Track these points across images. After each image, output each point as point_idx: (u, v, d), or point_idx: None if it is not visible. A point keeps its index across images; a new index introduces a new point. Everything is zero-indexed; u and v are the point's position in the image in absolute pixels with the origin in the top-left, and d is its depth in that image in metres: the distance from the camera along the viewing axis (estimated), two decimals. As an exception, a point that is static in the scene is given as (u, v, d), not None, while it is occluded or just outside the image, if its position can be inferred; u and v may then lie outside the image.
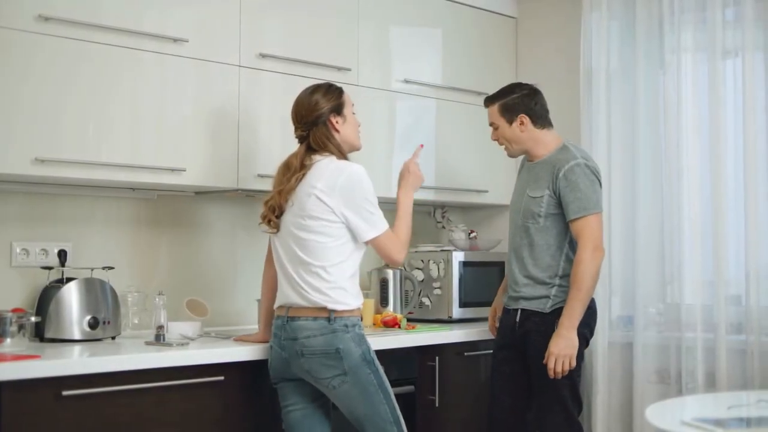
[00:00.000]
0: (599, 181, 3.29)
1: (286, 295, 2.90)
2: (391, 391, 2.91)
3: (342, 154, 2.94)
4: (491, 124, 3.42)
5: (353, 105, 3.05)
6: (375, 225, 2.88)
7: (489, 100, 3.43)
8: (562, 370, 3.17)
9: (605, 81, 3.88)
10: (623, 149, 3.83)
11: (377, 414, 2.87)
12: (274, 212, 2.90)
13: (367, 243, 2.91)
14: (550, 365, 3.17)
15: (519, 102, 3.35)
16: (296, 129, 2.97)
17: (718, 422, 2.27)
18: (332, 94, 2.96)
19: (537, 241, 3.30)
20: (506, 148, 3.42)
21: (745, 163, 3.51)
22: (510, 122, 3.35)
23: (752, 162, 3.49)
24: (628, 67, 3.85)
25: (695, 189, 3.64)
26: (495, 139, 3.43)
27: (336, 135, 2.94)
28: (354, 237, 2.88)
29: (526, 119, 3.34)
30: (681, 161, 3.65)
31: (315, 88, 2.98)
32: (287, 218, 2.90)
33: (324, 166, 2.88)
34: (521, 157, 3.52)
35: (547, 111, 3.39)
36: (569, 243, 3.28)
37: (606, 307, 3.83)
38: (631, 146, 3.81)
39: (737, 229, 3.54)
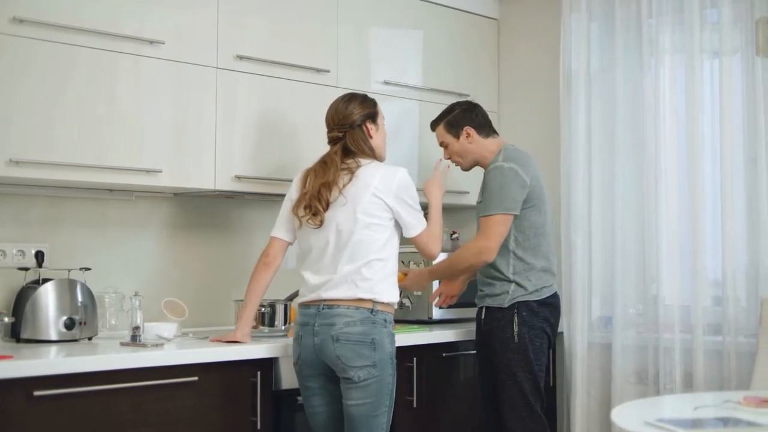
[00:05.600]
0: (520, 181, 3.34)
1: (316, 291, 2.96)
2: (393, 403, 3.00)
3: (376, 159, 3.09)
4: (441, 144, 3.58)
5: (384, 118, 3.19)
6: (420, 222, 3.11)
7: (434, 123, 3.60)
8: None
9: (585, 82, 3.90)
10: (602, 150, 3.85)
11: (377, 420, 2.94)
12: (321, 203, 2.97)
13: (410, 239, 3.10)
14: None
15: (461, 116, 3.53)
16: (331, 131, 3.08)
17: (681, 423, 2.28)
18: (368, 102, 3.13)
19: None
20: (458, 164, 3.58)
21: (722, 165, 3.52)
22: (457, 136, 3.52)
23: (729, 164, 3.51)
24: (607, 68, 3.86)
25: (673, 190, 3.65)
26: (447, 158, 3.59)
27: (369, 140, 3.08)
28: (395, 235, 3.05)
29: (471, 130, 3.50)
30: (659, 162, 3.67)
31: (351, 97, 3.13)
32: (337, 214, 2.97)
33: (375, 168, 3.03)
34: None
35: (489, 121, 3.56)
36: (514, 240, 3.38)
37: (586, 308, 3.85)
38: (610, 146, 3.82)
39: (714, 230, 3.56)
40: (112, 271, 3.45)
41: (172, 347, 3.00)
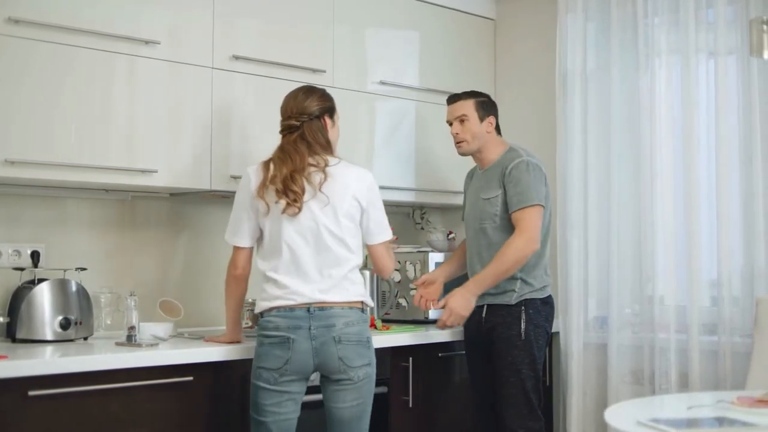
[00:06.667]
0: (544, 177, 3.43)
1: (300, 293, 2.86)
2: None
3: (333, 153, 3.01)
4: (460, 117, 3.51)
5: (340, 118, 3.15)
6: (386, 231, 3.07)
7: (462, 95, 3.55)
8: (449, 325, 3.36)
9: (581, 82, 3.90)
10: (598, 150, 3.85)
11: (363, 421, 2.94)
12: (297, 188, 2.85)
13: (371, 246, 3.04)
14: (443, 317, 3.34)
15: (491, 104, 3.56)
16: (287, 119, 2.97)
17: (674, 423, 2.28)
18: (327, 97, 3.07)
19: (495, 239, 3.42)
20: (463, 144, 3.53)
21: (717, 165, 3.53)
22: (482, 119, 3.51)
23: (724, 164, 3.51)
24: (603, 68, 3.86)
25: (669, 190, 3.66)
26: (457, 132, 3.53)
27: (326, 133, 3.02)
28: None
29: (494, 121, 3.52)
30: (655, 162, 3.67)
31: (311, 89, 3.07)
32: (317, 214, 2.88)
33: (346, 167, 2.97)
34: (467, 172, 3.70)
35: (498, 121, 3.59)
36: None
37: (582, 308, 3.85)
38: (606, 146, 3.83)
39: (710, 230, 3.56)
40: (107, 271, 3.45)
41: (167, 347, 3.00)
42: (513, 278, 3.37)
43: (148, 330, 3.15)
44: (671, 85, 3.69)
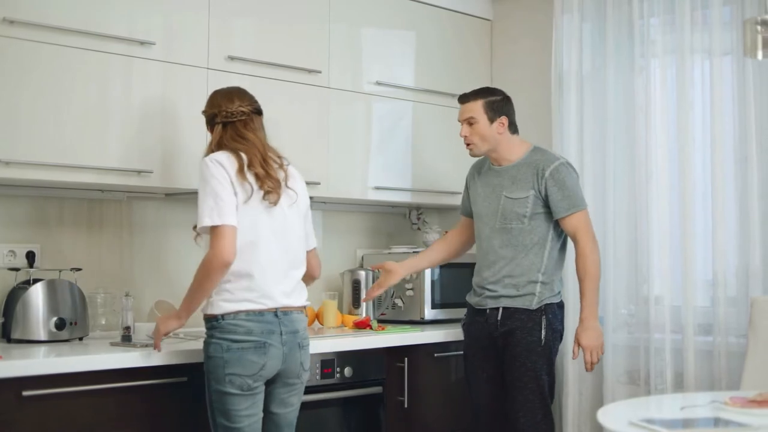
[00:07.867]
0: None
1: (271, 296, 2.78)
2: None
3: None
4: (468, 119, 3.41)
5: None
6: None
7: (470, 96, 3.44)
8: (596, 361, 3.33)
9: (577, 82, 3.90)
10: (594, 151, 3.85)
11: (295, 418, 2.93)
12: (274, 173, 2.80)
13: (307, 251, 2.97)
14: (587, 358, 3.30)
15: (503, 104, 3.44)
16: (240, 107, 2.87)
17: (667, 423, 2.29)
18: None
19: (522, 240, 3.35)
20: (473, 147, 3.43)
21: (712, 165, 3.53)
22: (491, 121, 3.39)
23: (720, 164, 3.51)
24: (599, 68, 3.87)
25: (664, 190, 3.66)
26: (465, 135, 3.42)
27: None
28: None
29: (506, 122, 3.41)
30: (650, 162, 3.68)
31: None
32: (286, 212, 2.84)
33: (293, 169, 2.94)
34: (472, 164, 3.61)
35: (514, 118, 3.48)
36: (551, 241, 3.37)
37: (578, 309, 3.83)
38: (601, 147, 3.83)
39: (705, 230, 3.56)
40: (103, 271, 3.46)
41: (162, 348, 3.00)
42: (533, 281, 3.32)
43: (143, 330, 3.15)
44: (667, 86, 3.69)
